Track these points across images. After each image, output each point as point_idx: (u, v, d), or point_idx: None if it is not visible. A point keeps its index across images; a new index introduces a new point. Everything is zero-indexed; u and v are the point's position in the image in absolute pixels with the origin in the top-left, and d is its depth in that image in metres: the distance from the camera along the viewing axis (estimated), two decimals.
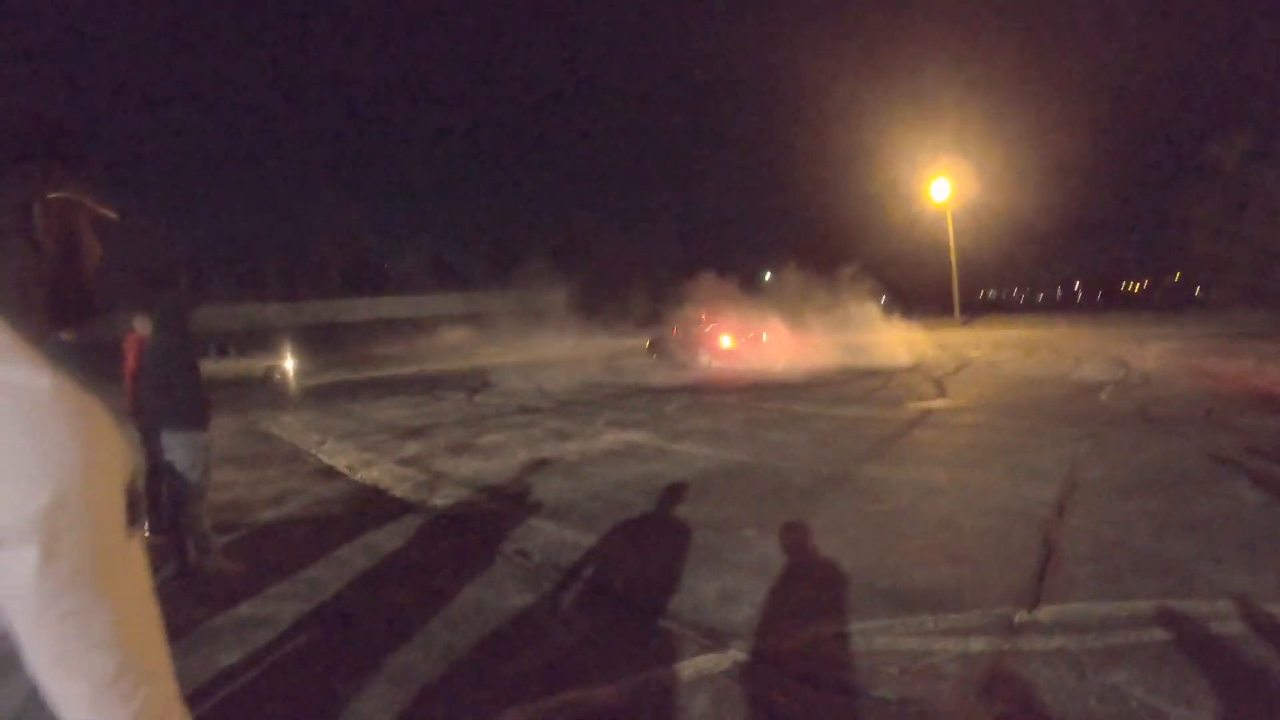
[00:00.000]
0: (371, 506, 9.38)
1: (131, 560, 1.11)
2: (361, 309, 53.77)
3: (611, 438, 13.59)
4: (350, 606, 6.09)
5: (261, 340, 34.29)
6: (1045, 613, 5.39)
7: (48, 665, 1.01)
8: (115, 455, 1.08)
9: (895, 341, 27.86)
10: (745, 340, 26.55)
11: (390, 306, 56.20)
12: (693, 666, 4.88)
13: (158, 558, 6.83)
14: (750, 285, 35.61)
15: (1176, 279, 59.81)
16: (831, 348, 27.99)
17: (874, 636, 5.19)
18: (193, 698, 3.92)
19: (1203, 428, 11.23)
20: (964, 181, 48.33)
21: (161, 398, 6.92)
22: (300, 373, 33.33)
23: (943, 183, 46.53)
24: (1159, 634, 4.93)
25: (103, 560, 1.03)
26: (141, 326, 8.07)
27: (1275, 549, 6.26)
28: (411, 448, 13.53)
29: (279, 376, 31.54)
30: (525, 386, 23.89)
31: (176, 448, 6.88)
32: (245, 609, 6.02)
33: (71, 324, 1.30)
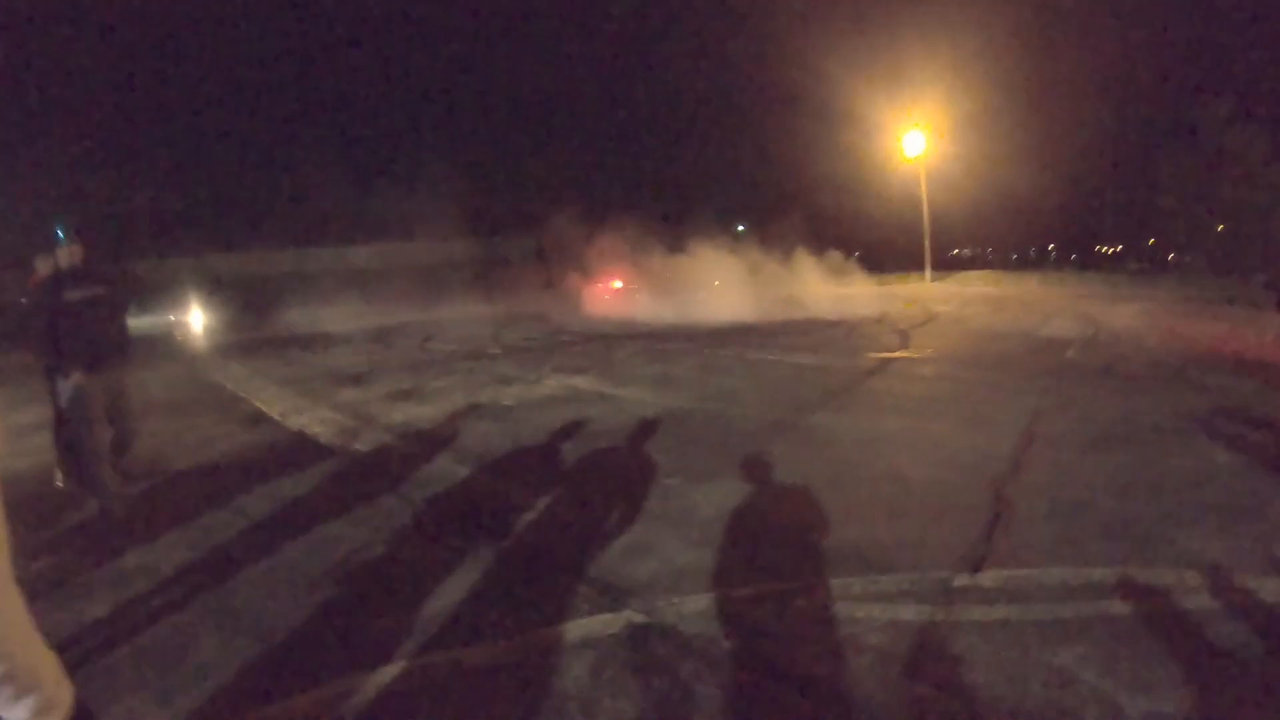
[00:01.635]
0: (291, 452, 8.89)
1: None
2: (327, 259, 51.78)
3: (555, 383, 13.06)
4: (236, 556, 5.69)
5: (182, 294, 32.77)
6: (989, 577, 4.72)
7: None
8: None
9: (860, 294, 27.39)
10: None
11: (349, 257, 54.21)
12: (580, 628, 4.33)
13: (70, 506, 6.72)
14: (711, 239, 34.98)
15: (1151, 242, 59.62)
16: (787, 299, 27.67)
17: (789, 600, 4.53)
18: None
19: (1172, 387, 10.63)
20: (938, 138, 47.67)
21: (37, 342, 6.64)
22: (211, 329, 31.68)
23: (916, 137, 45.72)
24: (1117, 606, 4.27)
25: None
26: (43, 266, 7.35)
27: (1249, 514, 5.60)
28: (349, 393, 12.99)
29: (181, 333, 30.01)
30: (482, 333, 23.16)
31: (60, 393, 6.58)
32: (131, 559, 5.70)
33: None
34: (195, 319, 30.40)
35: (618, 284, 30.88)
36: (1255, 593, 4.38)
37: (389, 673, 3.94)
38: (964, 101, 50.32)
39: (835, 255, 35.41)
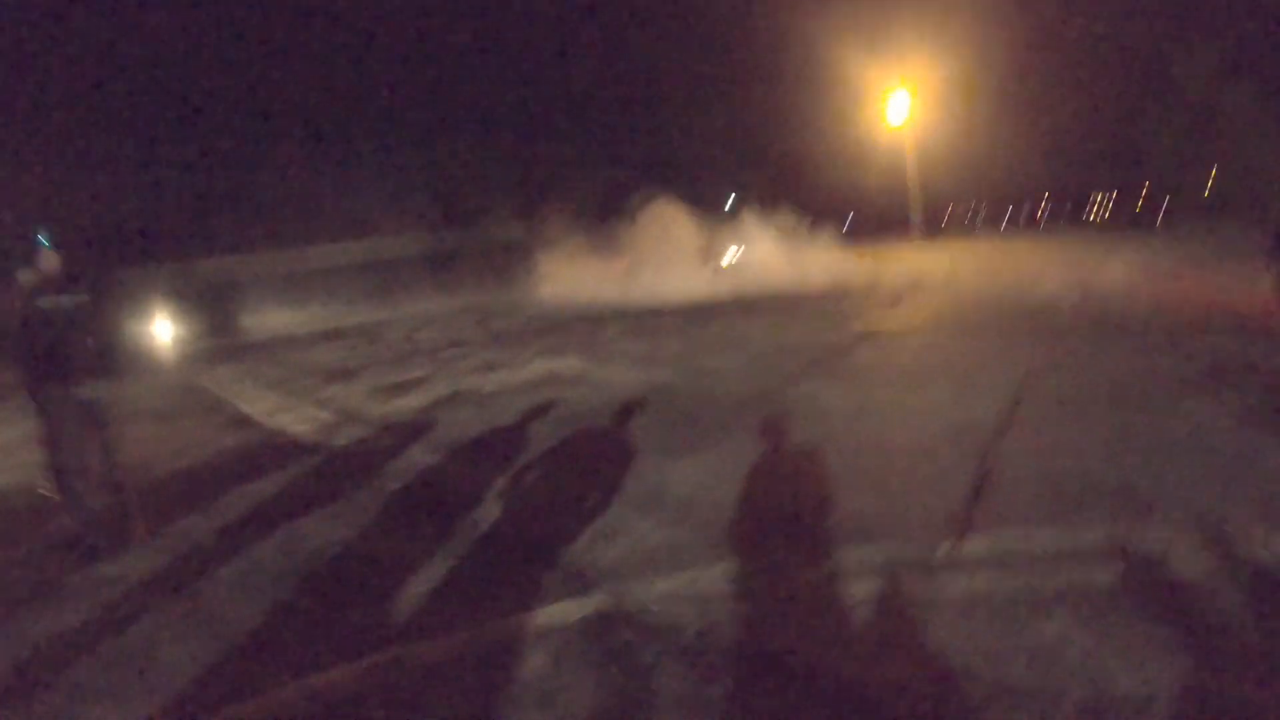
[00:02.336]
0: (270, 452, 8.86)
1: None
2: (304, 258, 50.65)
3: (540, 365, 12.92)
4: (207, 558, 5.67)
5: (149, 303, 31.57)
6: (971, 547, 4.49)
7: None
8: None
9: (849, 263, 27.18)
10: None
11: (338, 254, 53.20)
12: (545, 615, 4.19)
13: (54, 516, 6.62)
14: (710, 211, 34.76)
15: (1142, 198, 59.32)
16: (783, 269, 27.51)
17: (761, 579, 4.33)
18: (23, 663, 4.29)
19: (1165, 344, 10.37)
20: (924, 99, 47.38)
21: (13, 354, 6.46)
22: (180, 337, 30.79)
23: (902, 98, 45.40)
24: (1107, 573, 4.03)
25: None
26: (25, 277, 7.08)
27: (1246, 475, 5.33)
28: (333, 389, 12.91)
29: (149, 343, 28.96)
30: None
31: (43, 404, 6.38)
32: (106, 566, 5.70)
33: None
34: (162, 328, 29.41)
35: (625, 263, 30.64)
36: (1252, 555, 4.14)
37: (349, 670, 3.82)
38: (947, 65, 49.99)
39: (824, 224, 35.02)
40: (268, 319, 32.89)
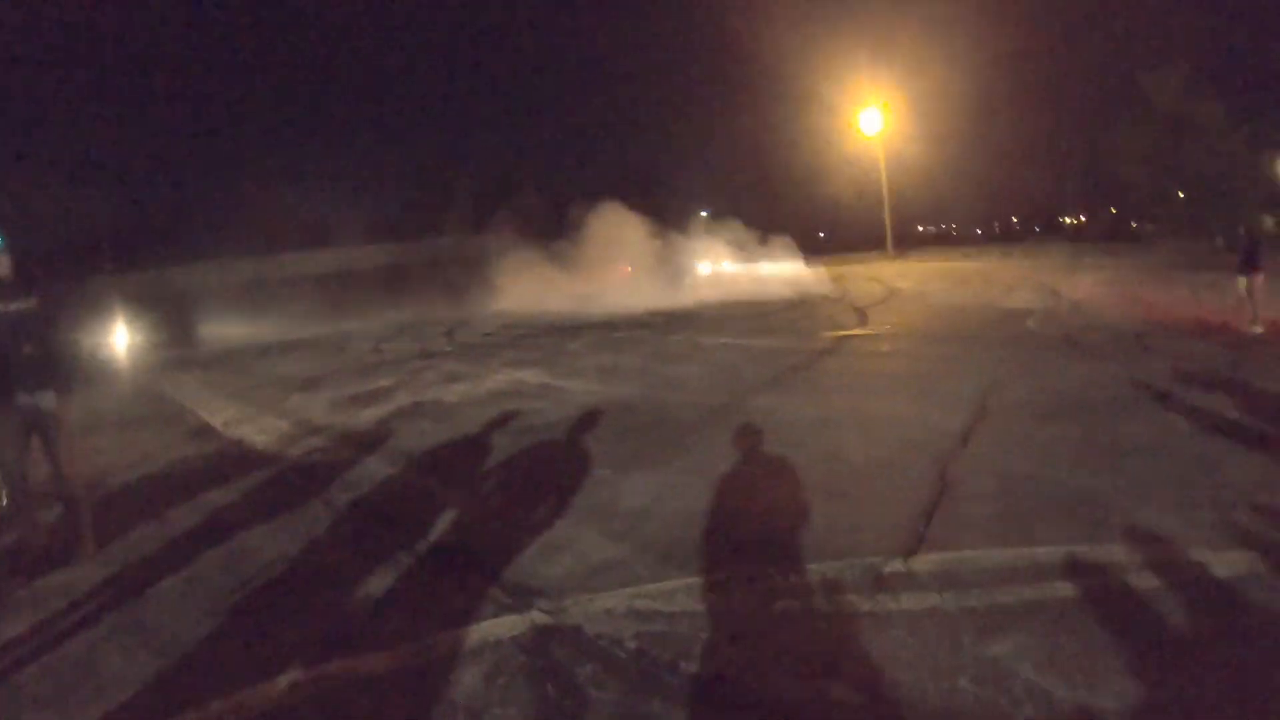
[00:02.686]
0: (227, 463, 8.60)
1: None
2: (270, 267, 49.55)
3: (502, 378, 12.70)
4: (154, 571, 5.48)
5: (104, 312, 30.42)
6: (923, 562, 4.35)
7: None
8: None
9: (817, 275, 27.22)
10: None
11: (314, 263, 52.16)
12: (481, 631, 4.05)
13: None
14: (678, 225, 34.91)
15: (1113, 212, 59.76)
16: (749, 280, 27.57)
17: (706, 594, 4.19)
18: None
19: (1131, 354, 10.37)
20: (896, 115, 47.67)
21: None
22: (137, 348, 28.62)
23: (874, 115, 45.62)
24: (1061, 589, 3.91)
25: None
26: None
27: (1207, 483, 5.27)
28: (296, 400, 12.63)
29: (102, 354, 28.04)
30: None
31: None
32: (55, 578, 5.49)
33: None
34: (119, 337, 28.29)
35: (627, 269, 30.65)
36: (1209, 568, 4.03)
37: (282, 684, 3.69)
38: (921, 79, 50.33)
39: (788, 237, 35.03)
40: (231, 329, 32.16)
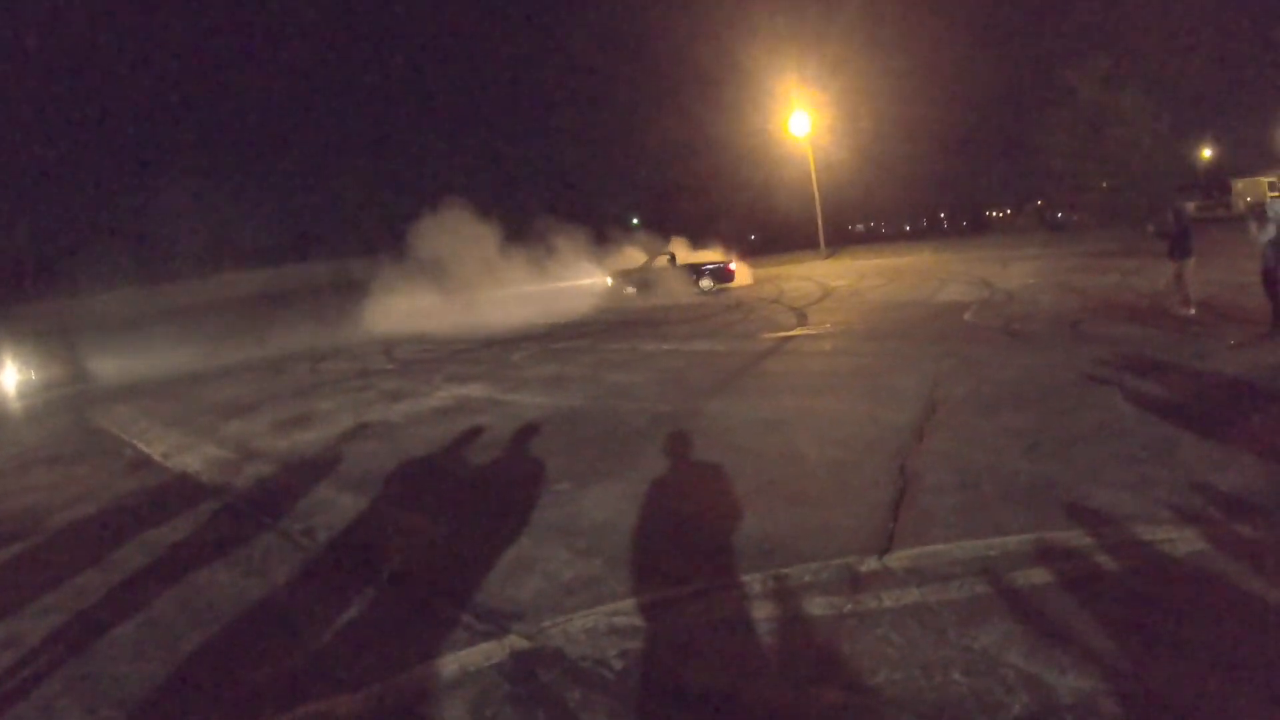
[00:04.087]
0: (170, 496, 8.28)
1: None
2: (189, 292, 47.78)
3: (446, 394, 12.48)
4: (104, 616, 5.22)
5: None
6: (898, 558, 4.36)
7: None
8: None
9: (757, 276, 27.34)
10: None
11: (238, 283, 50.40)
12: (459, 660, 3.92)
13: None
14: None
15: (1039, 204, 60.94)
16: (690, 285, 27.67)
17: (684, 606, 4.13)
18: None
19: (1069, 341, 10.58)
20: (824, 115, 48.07)
21: None
22: (29, 387, 26.23)
23: (802, 116, 45.96)
24: (1036, 575, 3.94)
25: None
26: None
27: (1157, 463, 5.40)
28: (235, 426, 12.22)
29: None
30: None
31: None
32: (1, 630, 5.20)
33: None
34: (6, 376, 26.00)
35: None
36: (1173, 544, 4.13)
37: None
38: (848, 79, 50.91)
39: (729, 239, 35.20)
40: (145, 362, 30.69)
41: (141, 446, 11.56)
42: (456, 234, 32.47)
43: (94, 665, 4.52)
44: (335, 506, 7.00)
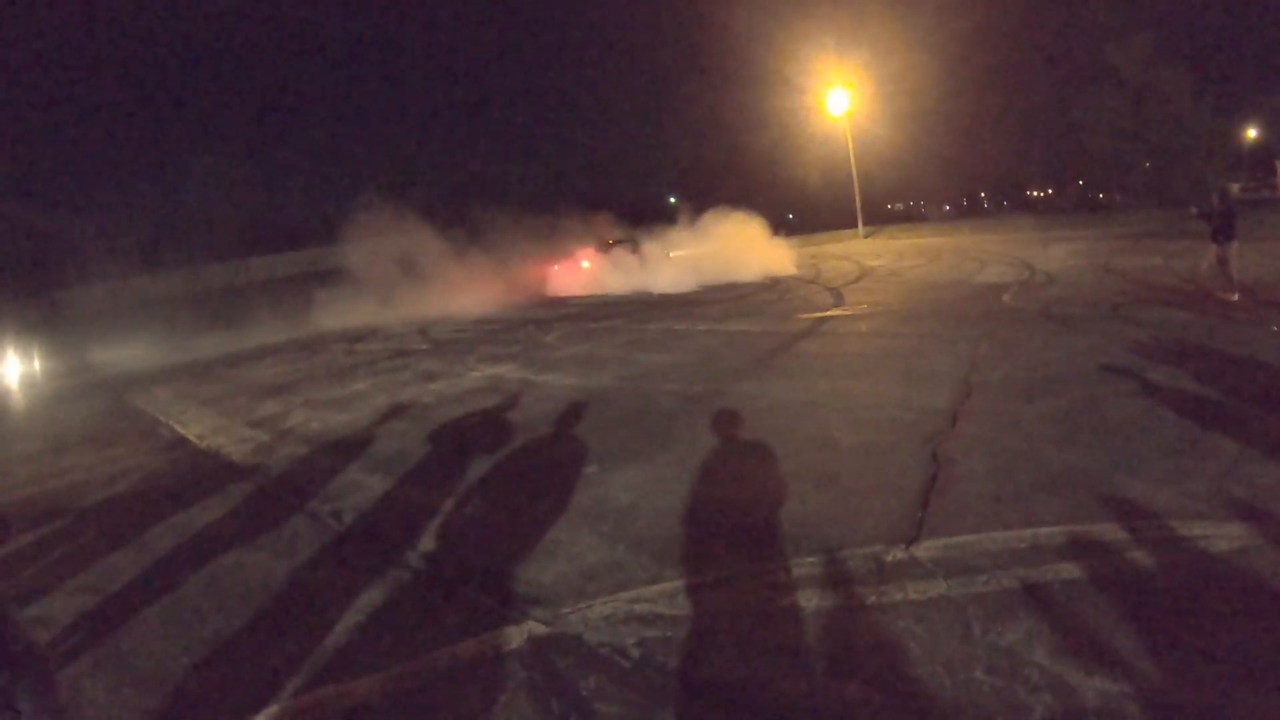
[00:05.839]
0: (203, 477, 8.37)
1: None
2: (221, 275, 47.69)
3: (479, 374, 12.51)
4: (133, 597, 5.28)
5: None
6: (926, 549, 4.29)
7: None
8: None
9: (786, 256, 27.00)
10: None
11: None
12: (478, 645, 3.92)
13: None
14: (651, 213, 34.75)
15: (1080, 184, 60.11)
16: (721, 264, 27.43)
17: (705, 594, 4.10)
18: None
19: (1110, 325, 10.34)
20: (863, 93, 47.57)
21: None
22: (29, 378, 26.76)
23: (840, 94, 45.48)
24: (1066, 570, 3.85)
25: None
26: None
27: (1196, 454, 5.26)
28: (270, 407, 12.37)
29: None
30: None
31: None
32: (31, 609, 5.25)
33: None
34: (10, 368, 26.13)
35: (585, 263, 30.43)
36: (1211, 541, 4.00)
37: (272, 713, 3.58)
38: (886, 58, 50.31)
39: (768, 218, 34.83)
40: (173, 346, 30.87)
41: (177, 428, 11.72)
42: (495, 220, 32.53)
43: (121, 645, 4.57)
44: (364, 488, 7.04)
